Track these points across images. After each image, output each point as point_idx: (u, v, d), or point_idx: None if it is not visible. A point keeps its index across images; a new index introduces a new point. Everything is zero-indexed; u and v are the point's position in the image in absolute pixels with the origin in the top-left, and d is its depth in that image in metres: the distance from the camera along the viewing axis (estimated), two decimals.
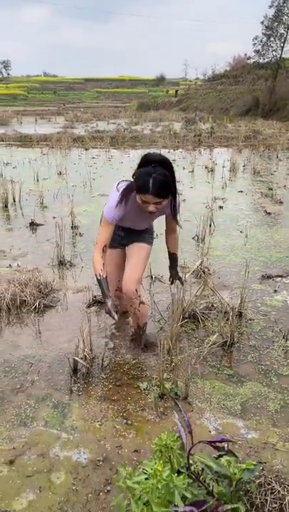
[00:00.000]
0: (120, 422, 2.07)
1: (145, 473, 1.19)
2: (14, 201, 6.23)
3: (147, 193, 2.22)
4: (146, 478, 1.16)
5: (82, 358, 2.43)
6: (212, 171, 8.90)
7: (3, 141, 13.86)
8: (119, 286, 2.71)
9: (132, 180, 2.32)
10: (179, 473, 1.58)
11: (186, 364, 2.45)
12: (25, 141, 13.89)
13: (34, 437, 1.97)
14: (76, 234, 4.91)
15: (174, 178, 2.30)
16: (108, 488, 1.72)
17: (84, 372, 2.41)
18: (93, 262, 2.46)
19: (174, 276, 2.96)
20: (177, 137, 14.54)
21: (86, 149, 12.35)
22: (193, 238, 4.75)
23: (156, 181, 2.19)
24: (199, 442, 1.53)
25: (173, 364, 2.43)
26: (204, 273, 3.60)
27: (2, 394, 2.26)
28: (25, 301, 3.18)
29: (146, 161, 2.24)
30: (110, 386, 2.34)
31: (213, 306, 3.14)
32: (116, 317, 2.42)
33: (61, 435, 1.99)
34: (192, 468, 1.53)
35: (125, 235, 2.75)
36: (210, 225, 5.03)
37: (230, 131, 17.02)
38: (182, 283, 2.91)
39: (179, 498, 1.10)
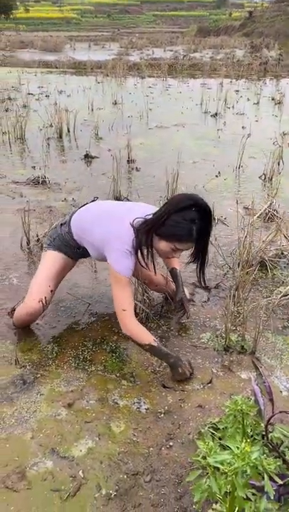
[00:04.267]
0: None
1: (227, 448, 1.03)
2: (68, 131, 5.98)
3: (190, 241, 1.86)
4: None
5: (140, 301, 2.29)
6: (280, 103, 8.11)
7: (57, 68, 13.34)
8: (46, 296, 2.08)
9: (149, 218, 1.87)
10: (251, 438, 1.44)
11: (255, 316, 2.25)
12: (79, 68, 13.30)
13: (92, 381, 1.88)
14: (132, 168, 4.64)
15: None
16: (171, 443, 1.61)
17: (142, 317, 2.27)
18: (135, 333, 1.88)
19: (181, 298, 2.22)
20: (240, 65, 13.34)
21: (142, 78, 11.63)
22: (259, 177, 4.36)
23: (203, 227, 1.83)
24: (280, 412, 1.36)
25: (241, 316, 2.23)
26: (275, 216, 3.28)
27: (59, 334, 2.18)
28: None
29: (189, 205, 1.80)
30: (170, 334, 2.20)
31: (283, 253, 2.86)
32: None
33: (120, 382, 1.89)
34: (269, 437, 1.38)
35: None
36: (278, 163, 4.59)
37: None
38: (187, 311, 2.24)
39: (269, 484, 0.94)
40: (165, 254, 1.99)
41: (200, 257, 1.98)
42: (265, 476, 0.96)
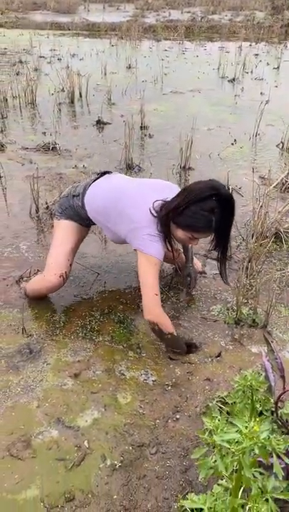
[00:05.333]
0: (192, 346, 1.90)
1: (233, 424, 0.99)
2: (81, 96, 5.80)
3: (208, 232, 1.78)
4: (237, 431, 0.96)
5: None
6: None
7: (69, 30, 12.89)
8: (66, 271, 2.05)
9: (167, 203, 1.78)
10: (260, 415, 1.40)
11: (268, 289, 2.18)
12: (92, 30, 12.83)
13: (99, 352, 1.86)
14: (145, 135, 4.50)
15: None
16: (177, 416, 1.59)
17: None
18: (162, 321, 1.81)
19: (189, 273, 2.19)
20: (261, 28, 12.73)
21: (158, 41, 11.18)
22: (277, 146, 4.19)
23: (222, 218, 1.72)
24: None
25: (253, 289, 2.16)
26: None
27: (67, 303, 2.14)
28: None
29: (209, 195, 1.69)
30: (180, 306, 2.15)
31: None
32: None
33: (128, 353, 1.86)
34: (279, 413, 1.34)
35: None
36: None
37: None
38: (191, 285, 2.20)
39: (278, 465, 0.90)
40: (182, 242, 1.92)
41: (220, 248, 1.87)
42: (274, 457, 0.92)
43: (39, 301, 2.14)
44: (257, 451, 0.88)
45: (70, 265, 2.07)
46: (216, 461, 0.98)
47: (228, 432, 0.93)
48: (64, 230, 2.07)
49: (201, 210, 1.70)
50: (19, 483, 1.36)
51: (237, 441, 0.91)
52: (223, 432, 0.93)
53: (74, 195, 2.04)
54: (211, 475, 1.00)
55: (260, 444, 0.89)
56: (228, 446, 0.89)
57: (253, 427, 0.90)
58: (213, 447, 0.94)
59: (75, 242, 2.09)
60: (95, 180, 2.04)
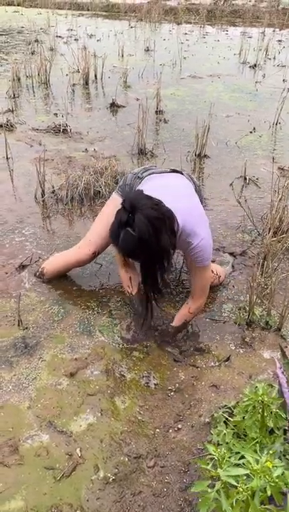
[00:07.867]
0: (198, 349, 1.76)
1: (241, 437, 0.85)
2: (96, 78, 5.60)
3: (116, 247, 1.54)
4: (243, 463, 0.82)
5: None
6: None
7: (88, 10, 12.60)
8: (100, 250, 1.99)
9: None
10: (271, 432, 1.26)
11: (285, 289, 2.02)
12: (112, 11, 12.51)
13: (98, 350, 1.73)
14: (160, 120, 4.31)
15: (160, 240, 1.45)
16: (179, 425, 1.46)
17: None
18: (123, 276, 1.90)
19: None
20: (285, 14, 12.27)
21: (178, 24, 10.85)
22: None
23: (125, 240, 1.44)
24: None
25: (268, 288, 2.01)
26: None
27: (67, 295, 2.01)
28: (99, 192, 2.82)
29: (127, 206, 1.45)
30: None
31: None
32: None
33: (129, 352, 1.73)
34: None
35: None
36: None
37: None
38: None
39: None
40: None
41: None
42: (288, 496, 0.78)
43: (38, 292, 2.01)
44: (269, 491, 0.75)
45: (107, 246, 1.99)
46: (218, 491, 0.85)
47: (236, 464, 0.79)
48: (114, 209, 1.93)
49: (116, 215, 1.49)
50: (3, 493, 1.25)
51: (246, 476, 0.78)
52: (229, 464, 0.80)
53: (139, 177, 1.86)
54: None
55: (273, 484, 0.75)
56: (234, 483, 0.76)
57: (265, 462, 0.76)
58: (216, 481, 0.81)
59: None
60: (159, 173, 1.85)
